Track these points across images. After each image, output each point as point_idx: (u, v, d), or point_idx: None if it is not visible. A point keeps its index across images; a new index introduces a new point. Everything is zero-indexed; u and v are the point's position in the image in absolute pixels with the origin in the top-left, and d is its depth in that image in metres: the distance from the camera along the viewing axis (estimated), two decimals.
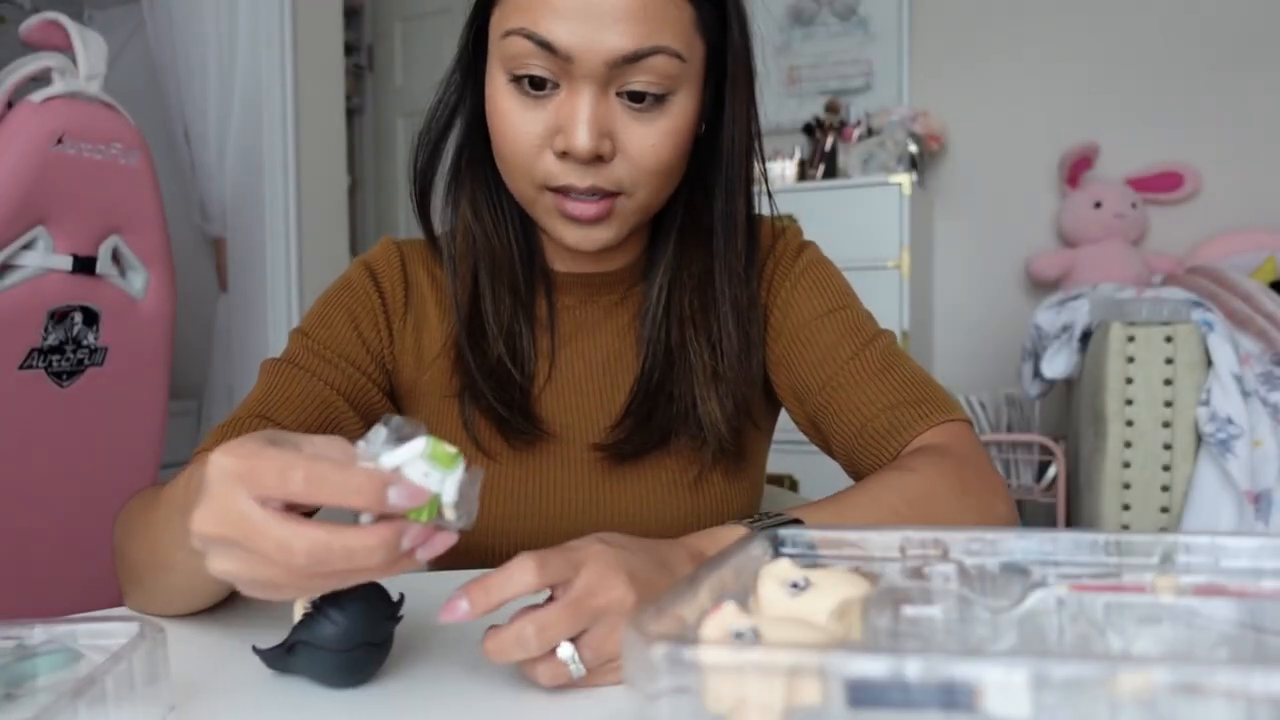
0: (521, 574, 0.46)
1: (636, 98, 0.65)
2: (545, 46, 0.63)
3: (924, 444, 0.69)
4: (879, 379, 0.72)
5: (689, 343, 0.75)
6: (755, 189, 0.77)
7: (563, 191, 0.67)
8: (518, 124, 0.66)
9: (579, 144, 0.64)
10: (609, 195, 0.68)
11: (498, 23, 0.66)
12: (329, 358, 0.75)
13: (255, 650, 0.50)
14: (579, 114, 0.64)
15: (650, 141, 0.66)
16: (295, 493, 0.39)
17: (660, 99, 0.66)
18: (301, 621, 0.48)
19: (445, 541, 0.42)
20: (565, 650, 0.46)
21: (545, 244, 0.80)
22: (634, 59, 0.63)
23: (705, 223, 0.75)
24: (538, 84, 0.65)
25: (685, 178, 0.73)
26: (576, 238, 0.69)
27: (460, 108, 0.75)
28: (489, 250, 0.76)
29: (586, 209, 0.67)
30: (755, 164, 0.76)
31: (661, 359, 0.76)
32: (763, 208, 0.80)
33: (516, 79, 0.65)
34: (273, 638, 0.50)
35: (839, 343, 0.75)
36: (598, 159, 0.66)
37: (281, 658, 0.49)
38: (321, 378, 0.74)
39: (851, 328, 0.76)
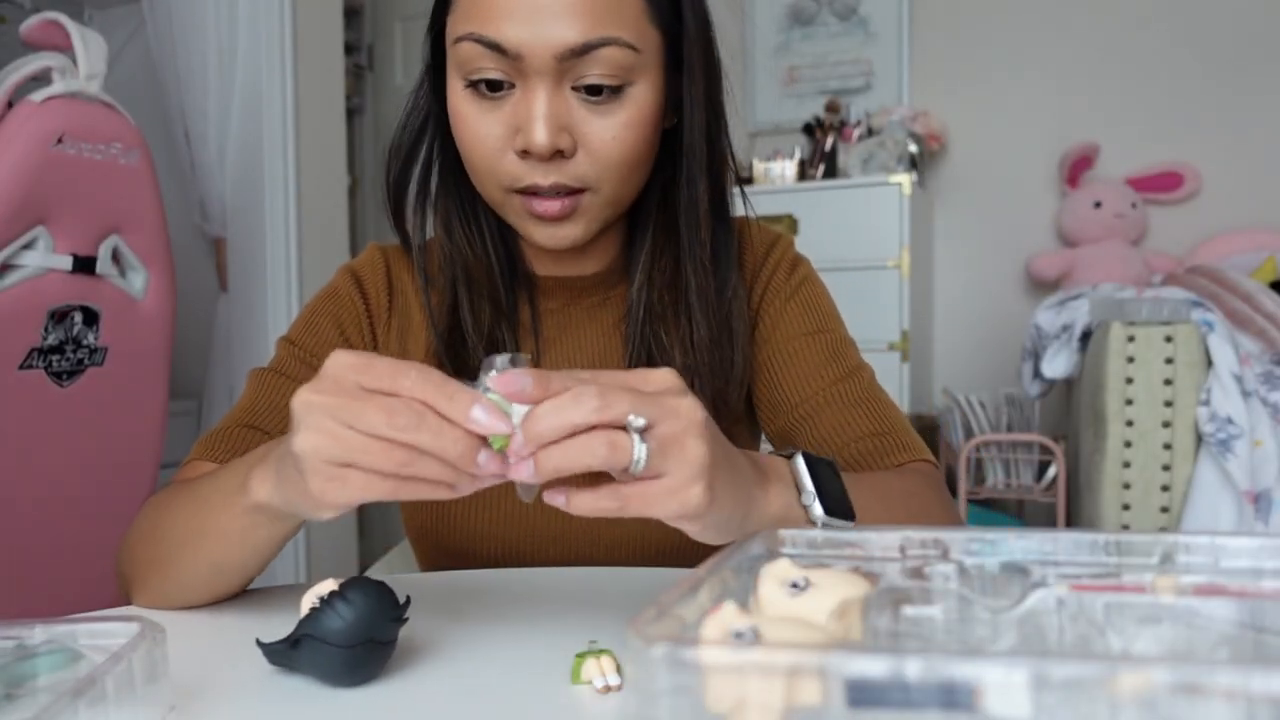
0: (583, 401, 0.42)
1: (593, 91, 0.65)
2: (494, 48, 0.63)
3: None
4: (861, 408, 0.74)
5: (662, 337, 0.75)
6: (731, 186, 0.77)
7: (529, 192, 0.67)
8: (477, 128, 0.67)
9: (537, 140, 0.64)
10: (574, 192, 0.68)
11: (450, 31, 0.67)
12: (316, 365, 0.75)
13: (259, 644, 0.50)
14: (534, 110, 0.64)
15: (610, 134, 0.66)
16: (404, 387, 0.43)
17: (616, 91, 0.66)
18: (308, 615, 0.48)
19: (508, 471, 0.44)
20: (637, 420, 0.42)
21: (526, 248, 0.80)
22: (583, 51, 0.63)
23: (677, 216, 0.75)
24: (494, 86, 0.65)
25: (657, 172, 0.73)
26: (545, 236, 0.69)
27: (429, 120, 0.75)
28: (465, 264, 0.76)
29: (551, 206, 0.67)
30: (729, 156, 0.75)
31: (643, 358, 0.76)
32: (737, 205, 0.80)
33: (473, 84, 0.66)
34: (275, 635, 0.50)
35: (825, 364, 0.76)
36: (558, 154, 0.66)
37: (285, 652, 0.49)
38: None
39: (836, 353, 0.77)
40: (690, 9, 0.69)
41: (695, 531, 0.47)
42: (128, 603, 0.66)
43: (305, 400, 0.44)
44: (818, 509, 0.53)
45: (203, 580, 0.60)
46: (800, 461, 0.54)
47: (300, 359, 0.76)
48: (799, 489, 0.53)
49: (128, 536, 0.67)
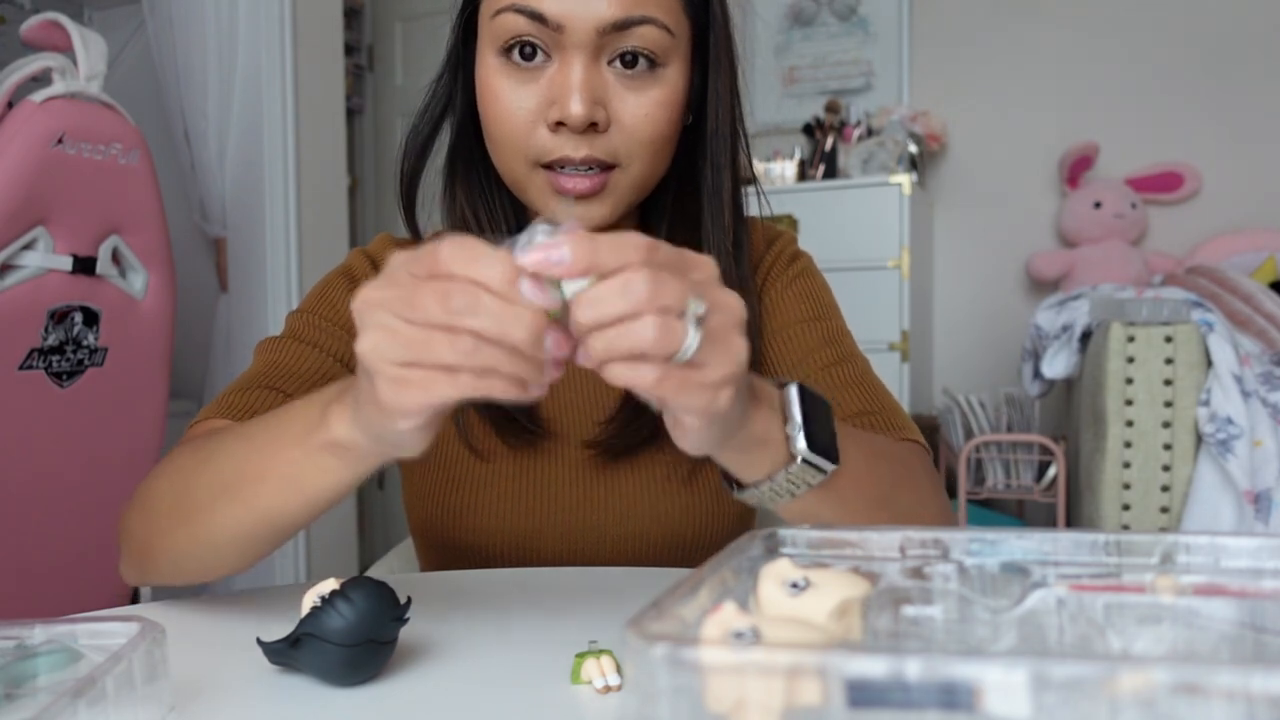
0: (635, 251, 0.40)
1: (629, 63, 0.66)
2: (536, 18, 0.64)
3: None
4: (853, 389, 0.73)
5: None
6: (744, 187, 0.78)
7: (557, 166, 0.68)
8: (510, 101, 0.67)
9: (574, 111, 0.64)
10: (604, 170, 0.68)
11: (488, 6, 0.68)
12: (330, 329, 0.75)
13: (259, 643, 0.50)
14: (572, 82, 0.65)
15: (644, 110, 0.67)
16: (446, 262, 0.39)
17: (652, 66, 0.67)
18: (309, 614, 0.48)
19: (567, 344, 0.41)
20: (698, 306, 0.40)
21: None
22: (624, 26, 0.65)
23: (692, 210, 0.76)
24: (528, 55, 0.66)
25: (673, 169, 0.74)
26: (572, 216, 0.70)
27: (450, 109, 0.76)
28: None
29: (580, 183, 0.68)
30: (742, 157, 0.76)
31: None
32: (751, 207, 0.80)
33: (506, 52, 0.67)
34: (275, 635, 0.50)
35: (818, 349, 0.76)
36: (592, 127, 0.66)
37: (285, 651, 0.49)
38: (324, 348, 0.74)
39: (831, 339, 0.77)
40: (718, 2, 0.71)
41: (691, 432, 0.45)
42: (130, 584, 0.65)
43: (363, 298, 0.41)
44: (801, 443, 0.50)
45: (244, 533, 0.54)
46: (793, 391, 0.51)
47: (315, 324, 0.74)
48: (786, 418, 0.51)
49: (139, 495, 0.61)
